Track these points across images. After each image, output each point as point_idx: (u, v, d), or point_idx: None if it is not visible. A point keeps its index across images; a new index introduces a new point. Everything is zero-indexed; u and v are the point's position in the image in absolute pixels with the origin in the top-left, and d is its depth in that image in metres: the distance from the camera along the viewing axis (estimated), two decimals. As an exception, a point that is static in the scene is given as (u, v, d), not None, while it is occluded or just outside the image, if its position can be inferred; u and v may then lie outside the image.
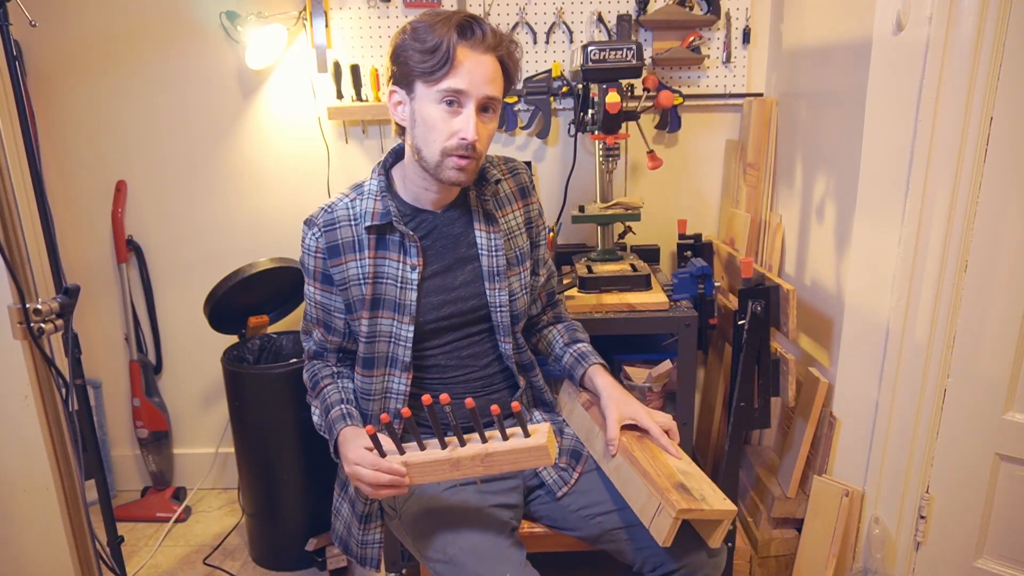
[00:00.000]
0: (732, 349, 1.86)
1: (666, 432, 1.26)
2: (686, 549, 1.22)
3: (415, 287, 1.27)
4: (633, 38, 2.12)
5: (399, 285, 1.28)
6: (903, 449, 1.67)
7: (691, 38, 2.12)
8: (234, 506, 2.41)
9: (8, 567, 1.55)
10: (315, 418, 1.35)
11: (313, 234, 1.28)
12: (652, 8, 2.10)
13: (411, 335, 1.28)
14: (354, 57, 2.15)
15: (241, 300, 2.12)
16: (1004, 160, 1.47)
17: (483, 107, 1.18)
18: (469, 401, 1.05)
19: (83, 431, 1.37)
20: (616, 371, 1.97)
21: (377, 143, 2.25)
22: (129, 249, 2.32)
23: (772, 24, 2.13)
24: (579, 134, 2.16)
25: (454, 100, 1.16)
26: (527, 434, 1.10)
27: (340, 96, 2.18)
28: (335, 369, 1.37)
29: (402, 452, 1.13)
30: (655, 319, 1.76)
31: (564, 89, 2.13)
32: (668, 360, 1.91)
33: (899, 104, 1.52)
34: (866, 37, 1.55)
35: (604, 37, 2.14)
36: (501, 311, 1.33)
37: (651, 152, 1.95)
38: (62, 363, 1.31)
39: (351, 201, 1.29)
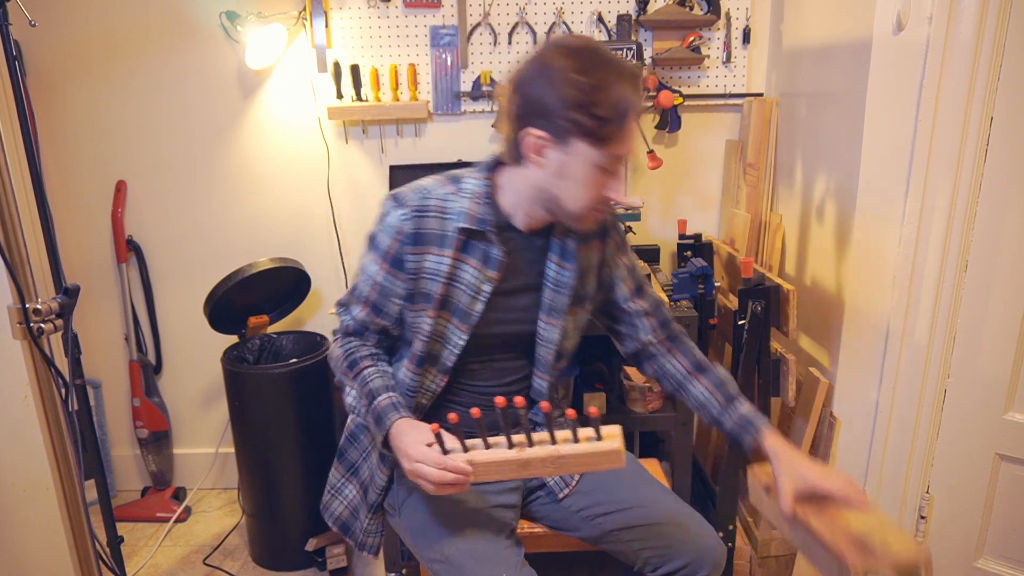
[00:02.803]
0: (732, 349, 1.85)
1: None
2: (687, 549, 1.22)
3: (485, 299, 1.23)
4: (633, 38, 2.12)
5: (471, 294, 1.23)
6: (903, 449, 1.67)
7: (691, 38, 2.12)
8: (234, 506, 2.41)
9: (8, 567, 1.55)
10: (349, 399, 1.31)
11: (403, 215, 1.19)
12: (652, 8, 2.10)
13: (464, 343, 1.25)
14: (354, 57, 2.15)
15: (241, 300, 2.12)
16: (1004, 160, 1.47)
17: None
18: (545, 404, 1.03)
19: (83, 431, 1.37)
20: (616, 371, 1.97)
21: (377, 143, 2.25)
22: (129, 249, 2.32)
23: (772, 24, 2.13)
24: (579, 134, 2.16)
25: (614, 166, 1.12)
26: (599, 436, 1.05)
27: (340, 96, 2.18)
28: (373, 350, 1.30)
29: (466, 449, 1.09)
30: (655, 319, 1.76)
31: (564, 89, 2.13)
32: (668, 360, 1.91)
33: (899, 104, 1.52)
34: (866, 37, 1.55)
35: (604, 37, 2.14)
36: (547, 347, 1.29)
37: (651, 152, 1.96)
38: (62, 363, 1.31)
39: (447, 194, 1.22)
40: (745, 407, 1.30)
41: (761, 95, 2.18)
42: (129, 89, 2.21)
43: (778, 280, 1.75)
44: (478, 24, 2.13)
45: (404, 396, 1.28)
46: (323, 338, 2.15)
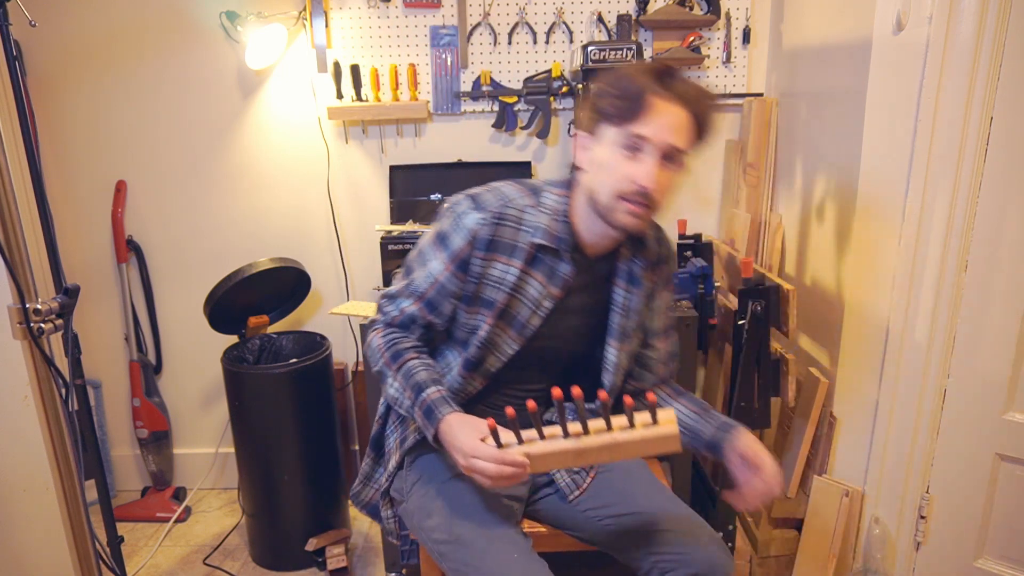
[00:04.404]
0: (732, 349, 1.86)
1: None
2: (697, 558, 1.22)
3: (544, 315, 1.24)
4: (633, 38, 2.12)
5: (531, 307, 1.23)
6: (903, 449, 1.67)
7: (691, 38, 2.12)
8: (234, 506, 2.41)
9: (8, 567, 1.55)
10: (392, 391, 1.24)
11: (481, 219, 1.19)
12: (652, 8, 2.10)
13: (513, 354, 1.25)
14: (354, 57, 2.15)
15: (241, 300, 2.12)
16: (1004, 160, 1.47)
17: (666, 156, 1.13)
18: (603, 394, 1.04)
19: (83, 431, 1.37)
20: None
21: (377, 143, 2.25)
22: (129, 249, 2.32)
23: (772, 24, 2.13)
24: (579, 134, 2.16)
25: (636, 146, 1.12)
26: (655, 420, 1.06)
27: (340, 96, 2.18)
28: (416, 344, 1.28)
29: (521, 441, 1.08)
30: (655, 319, 1.76)
31: (564, 89, 2.13)
32: (668, 360, 1.91)
33: (899, 104, 1.52)
34: (866, 37, 1.55)
35: (604, 37, 2.14)
36: (616, 372, 1.29)
37: (651, 152, 1.95)
38: (62, 363, 1.31)
39: (527, 206, 1.21)
40: (721, 417, 1.33)
41: (761, 95, 2.18)
42: (129, 89, 2.21)
43: (778, 280, 1.75)
44: (478, 24, 2.13)
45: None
46: (323, 338, 2.15)
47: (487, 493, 1.25)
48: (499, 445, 1.08)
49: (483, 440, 1.09)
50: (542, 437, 1.08)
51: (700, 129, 1.17)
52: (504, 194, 1.22)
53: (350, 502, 1.47)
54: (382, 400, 1.40)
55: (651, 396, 1.04)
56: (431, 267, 1.24)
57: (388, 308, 1.29)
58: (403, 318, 1.27)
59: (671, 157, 1.14)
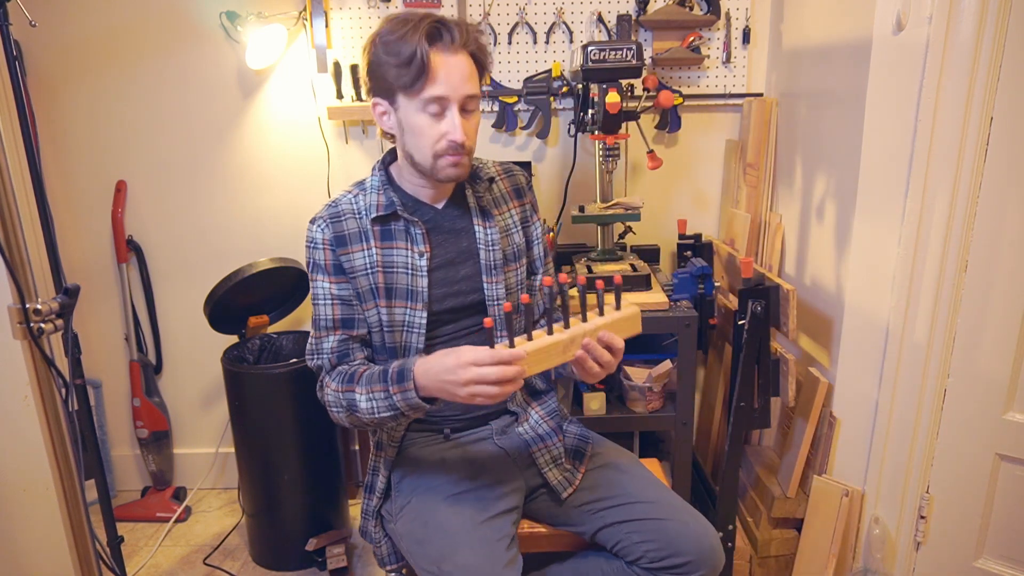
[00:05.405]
0: (732, 349, 1.86)
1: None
2: (689, 547, 1.22)
3: (426, 274, 1.30)
4: (633, 38, 2.12)
5: (410, 272, 1.30)
6: (903, 449, 1.67)
7: (691, 38, 2.12)
8: (234, 506, 2.41)
9: (8, 567, 1.55)
10: (364, 404, 1.20)
11: (319, 227, 1.29)
12: (652, 8, 2.10)
13: (424, 321, 1.30)
14: (354, 57, 2.15)
15: (241, 300, 2.12)
16: (1004, 160, 1.47)
17: (464, 105, 1.23)
18: (581, 278, 1.14)
19: (83, 431, 1.37)
20: (616, 371, 1.97)
21: (377, 143, 2.25)
22: (129, 249, 2.32)
23: (772, 24, 2.13)
24: (579, 134, 2.17)
25: (437, 108, 1.20)
26: (619, 307, 1.23)
27: (340, 96, 2.18)
28: (362, 361, 1.30)
29: (512, 345, 1.12)
30: (655, 319, 1.76)
31: (564, 89, 2.13)
32: (668, 360, 1.91)
33: (899, 104, 1.52)
34: (866, 37, 1.55)
35: (604, 37, 2.14)
36: (498, 304, 1.35)
37: (651, 152, 1.95)
38: (62, 363, 1.31)
39: (354, 196, 1.32)
40: None
41: (761, 95, 2.18)
42: (129, 89, 2.21)
43: (778, 280, 1.75)
44: (478, 24, 2.13)
45: None
46: (323, 338, 2.15)
47: (478, 518, 1.24)
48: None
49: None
50: (530, 338, 1.15)
51: (480, 66, 1.25)
52: (333, 199, 1.33)
53: (350, 503, 1.47)
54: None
55: (618, 278, 1.22)
56: (322, 292, 1.30)
57: (319, 361, 1.32)
58: (337, 353, 1.30)
59: (469, 103, 1.23)
